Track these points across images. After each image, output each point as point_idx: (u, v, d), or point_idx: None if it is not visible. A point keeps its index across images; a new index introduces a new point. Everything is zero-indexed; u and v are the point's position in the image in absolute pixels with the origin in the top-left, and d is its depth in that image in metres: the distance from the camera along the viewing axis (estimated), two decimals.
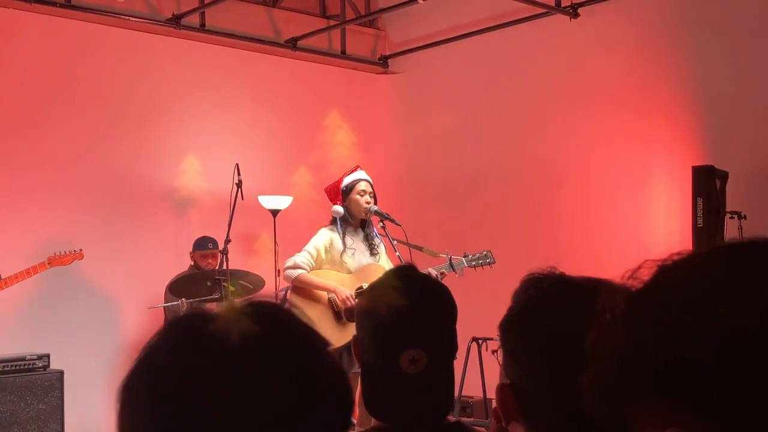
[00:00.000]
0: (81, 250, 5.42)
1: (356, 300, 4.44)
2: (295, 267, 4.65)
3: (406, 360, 1.52)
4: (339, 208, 4.70)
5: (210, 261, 5.98)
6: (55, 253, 5.32)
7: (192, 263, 6.12)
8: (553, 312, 1.00)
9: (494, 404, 1.12)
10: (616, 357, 0.63)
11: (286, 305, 0.78)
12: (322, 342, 0.76)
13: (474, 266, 4.86)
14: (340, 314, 4.57)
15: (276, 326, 0.74)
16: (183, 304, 5.24)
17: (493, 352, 1.20)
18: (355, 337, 1.66)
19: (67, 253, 5.35)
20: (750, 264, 0.62)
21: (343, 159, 7.44)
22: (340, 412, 0.73)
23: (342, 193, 4.75)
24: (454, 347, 1.62)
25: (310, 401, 0.71)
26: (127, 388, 0.72)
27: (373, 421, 1.66)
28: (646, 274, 0.66)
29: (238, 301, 0.73)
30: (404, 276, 1.62)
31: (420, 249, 4.76)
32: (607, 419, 0.65)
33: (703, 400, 0.58)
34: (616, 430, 0.65)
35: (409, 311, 1.56)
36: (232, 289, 5.13)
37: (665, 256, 0.66)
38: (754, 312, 0.58)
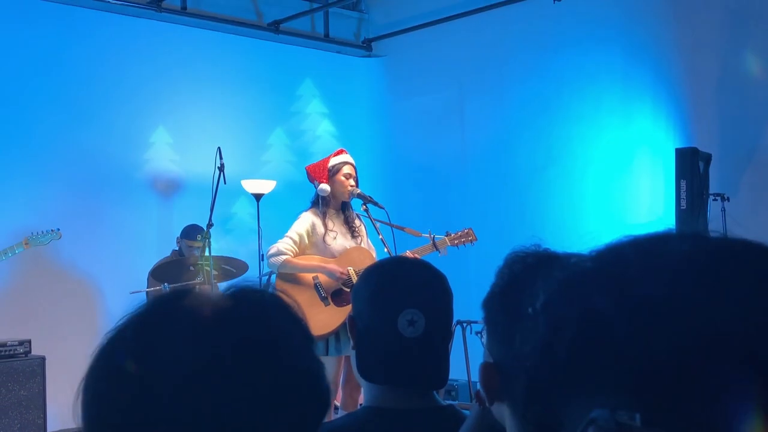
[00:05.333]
0: (59, 230, 5.39)
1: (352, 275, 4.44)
2: (279, 254, 4.57)
3: (405, 321, 1.56)
4: (326, 187, 4.65)
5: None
6: (32, 233, 5.28)
7: (177, 248, 6.08)
8: (537, 285, 0.98)
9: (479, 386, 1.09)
10: (540, 351, 0.61)
11: (272, 290, 0.77)
12: (297, 322, 0.75)
13: (456, 244, 4.84)
14: (326, 298, 4.52)
15: (249, 303, 0.72)
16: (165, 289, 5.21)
17: (477, 333, 1.18)
18: (350, 315, 1.68)
19: (44, 233, 5.33)
20: (666, 245, 0.59)
21: (326, 145, 7.39)
22: (311, 393, 0.72)
23: (328, 173, 4.70)
24: (450, 320, 1.66)
25: (280, 379, 0.69)
26: (92, 371, 0.70)
27: (361, 398, 1.68)
28: None
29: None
30: (404, 262, 1.69)
31: (402, 229, 4.75)
32: (541, 421, 0.62)
33: (616, 376, 0.55)
34: None
35: (410, 278, 1.67)
36: (215, 272, 5.09)
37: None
38: (663, 284, 0.55)
